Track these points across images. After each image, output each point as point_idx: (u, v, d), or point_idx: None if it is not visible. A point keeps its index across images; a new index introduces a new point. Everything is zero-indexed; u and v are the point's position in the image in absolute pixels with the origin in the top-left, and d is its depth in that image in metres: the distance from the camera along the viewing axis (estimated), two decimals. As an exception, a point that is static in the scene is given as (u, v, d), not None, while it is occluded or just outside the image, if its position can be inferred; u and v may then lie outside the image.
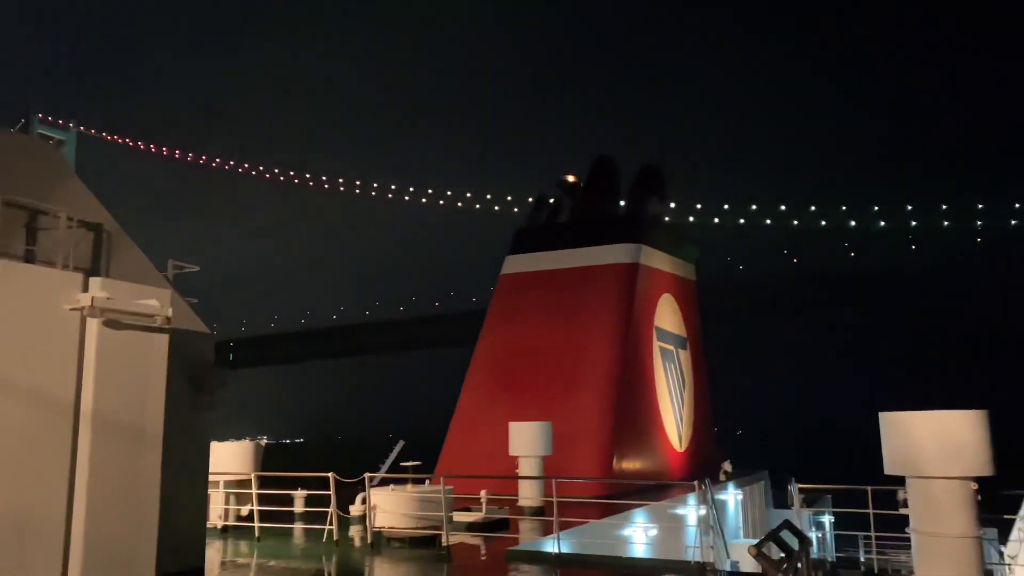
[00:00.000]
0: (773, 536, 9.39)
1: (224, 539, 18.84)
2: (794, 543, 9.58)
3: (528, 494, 23.55)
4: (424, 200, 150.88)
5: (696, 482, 16.79)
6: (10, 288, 8.45)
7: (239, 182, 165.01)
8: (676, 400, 35.97)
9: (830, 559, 26.38)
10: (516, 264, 35.24)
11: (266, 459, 21.63)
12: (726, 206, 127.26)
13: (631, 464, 30.47)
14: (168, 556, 9.93)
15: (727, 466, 34.58)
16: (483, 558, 17.49)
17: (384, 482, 20.25)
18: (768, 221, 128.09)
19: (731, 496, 31.55)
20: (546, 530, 18.86)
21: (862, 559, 24.28)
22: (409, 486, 18.57)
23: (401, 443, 29.18)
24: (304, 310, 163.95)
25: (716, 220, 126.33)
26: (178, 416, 10.51)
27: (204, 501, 14.59)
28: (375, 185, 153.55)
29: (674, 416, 35.32)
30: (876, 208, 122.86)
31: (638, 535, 20.81)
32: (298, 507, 21.43)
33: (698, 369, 39.70)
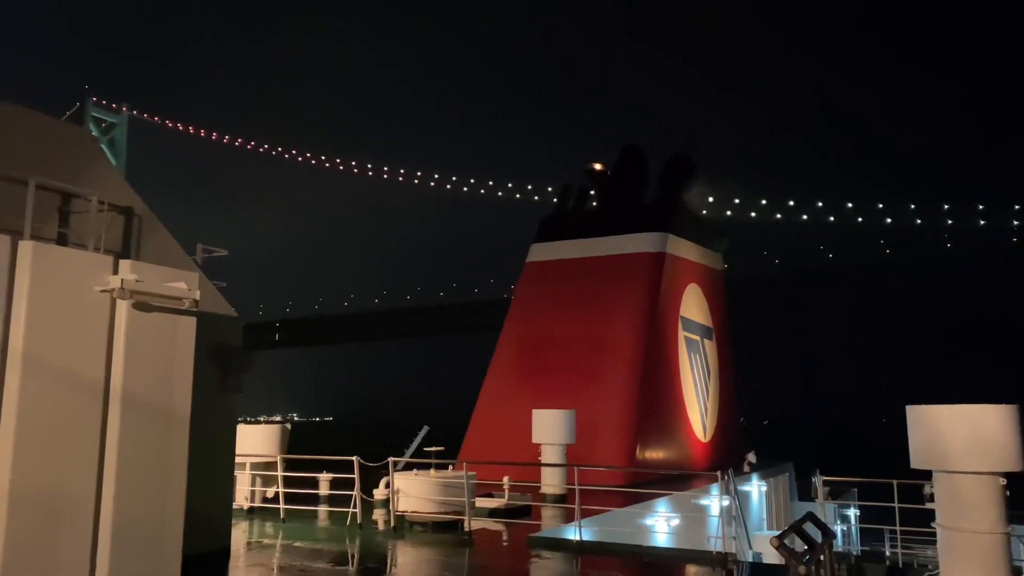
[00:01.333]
0: (796, 528, 9.34)
1: (250, 520, 19.10)
2: (817, 536, 9.52)
3: (551, 481, 23.61)
4: (465, 189, 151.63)
5: (719, 473, 16.72)
6: (43, 270, 8.59)
7: (286, 167, 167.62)
8: (701, 390, 35.77)
9: (855, 552, 26.16)
10: (542, 252, 35.18)
11: (294, 438, 21.84)
12: (764, 200, 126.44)
13: (654, 453, 30.40)
14: (195, 535, 10.08)
15: (751, 457, 34.39)
16: (505, 544, 17.58)
17: (408, 467, 20.39)
18: (804, 217, 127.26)
19: (755, 487, 31.41)
20: (568, 518, 18.91)
21: (887, 553, 24.07)
22: (432, 471, 18.68)
23: (426, 428, 29.36)
24: (348, 294, 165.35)
25: (753, 214, 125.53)
26: (205, 398, 10.65)
27: (231, 482, 14.82)
28: (419, 173, 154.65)
29: (699, 406, 35.15)
30: (912, 207, 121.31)
31: (660, 524, 20.80)
32: (323, 490, 21.67)
33: (724, 359, 39.42)
